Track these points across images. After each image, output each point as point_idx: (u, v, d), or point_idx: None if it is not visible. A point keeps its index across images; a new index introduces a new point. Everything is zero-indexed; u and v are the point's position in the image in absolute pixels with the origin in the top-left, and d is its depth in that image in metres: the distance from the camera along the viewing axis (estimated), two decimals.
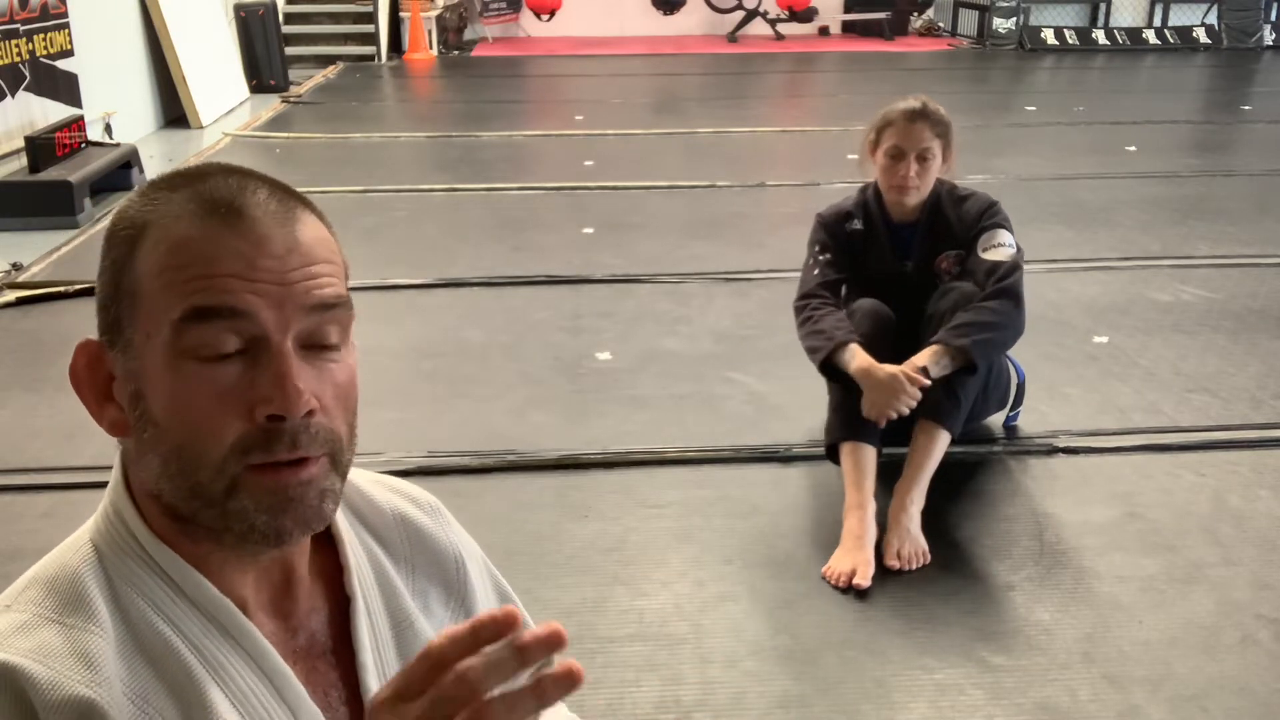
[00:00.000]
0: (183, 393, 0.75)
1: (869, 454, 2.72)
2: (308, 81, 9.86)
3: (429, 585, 0.96)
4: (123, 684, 0.75)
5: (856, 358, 2.67)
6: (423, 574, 0.96)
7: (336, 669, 0.87)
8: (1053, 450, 3.09)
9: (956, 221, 2.89)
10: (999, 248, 2.82)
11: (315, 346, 0.79)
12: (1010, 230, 2.87)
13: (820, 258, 2.95)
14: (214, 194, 0.77)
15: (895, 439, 2.74)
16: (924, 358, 2.66)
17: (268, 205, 0.78)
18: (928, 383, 2.62)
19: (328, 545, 0.90)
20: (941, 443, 2.71)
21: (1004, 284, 2.74)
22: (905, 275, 2.94)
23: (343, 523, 0.91)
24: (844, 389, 2.77)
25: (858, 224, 2.96)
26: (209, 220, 0.76)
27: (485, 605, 1.01)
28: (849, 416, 2.78)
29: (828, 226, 2.98)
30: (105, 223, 0.84)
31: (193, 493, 0.77)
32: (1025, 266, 2.86)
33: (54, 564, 0.81)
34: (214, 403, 0.75)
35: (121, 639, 0.77)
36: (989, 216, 2.87)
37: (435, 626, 0.94)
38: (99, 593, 0.78)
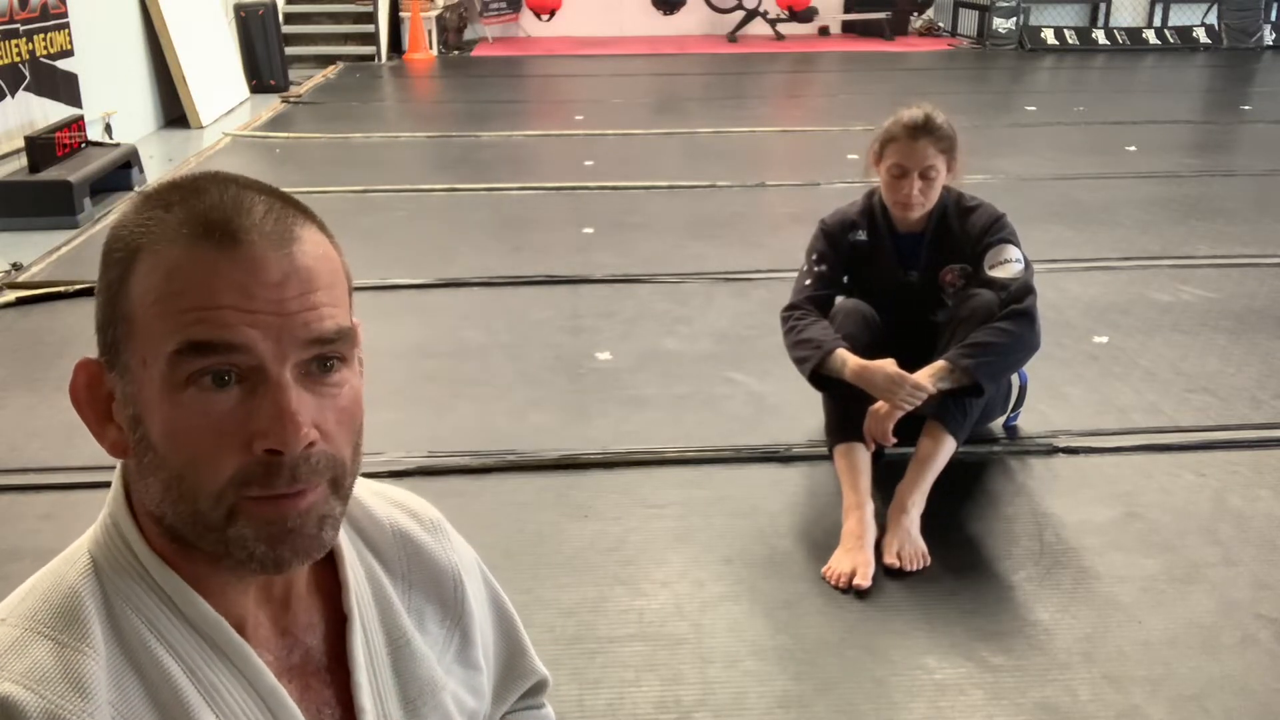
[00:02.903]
0: (180, 423, 0.74)
1: (862, 454, 2.72)
2: (308, 81, 9.86)
3: (425, 603, 0.95)
4: (113, 708, 0.74)
5: (848, 362, 2.67)
6: (419, 591, 0.95)
7: (331, 687, 0.86)
8: (1053, 450, 3.09)
9: (962, 234, 2.87)
10: (1007, 264, 2.79)
11: (318, 372, 0.77)
12: (1017, 245, 2.84)
13: (816, 268, 2.93)
14: (208, 215, 0.74)
15: (900, 439, 2.74)
16: (929, 373, 2.65)
17: (264, 225, 0.75)
18: (931, 390, 2.63)
19: (327, 561, 0.89)
20: (946, 448, 2.71)
21: (1019, 306, 2.71)
22: (909, 285, 2.93)
23: (342, 538, 0.90)
24: (834, 395, 2.77)
25: (862, 234, 2.94)
26: (203, 246, 0.74)
27: (481, 622, 1.01)
28: (839, 419, 2.79)
29: (830, 236, 2.95)
30: (106, 223, 0.82)
31: (194, 519, 0.76)
32: None
33: (51, 576, 0.80)
34: (212, 434, 0.74)
35: (113, 658, 0.76)
36: (995, 231, 2.84)
37: (430, 644, 0.94)
38: (94, 609, 0.77)
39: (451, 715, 0.93)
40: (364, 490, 0.96)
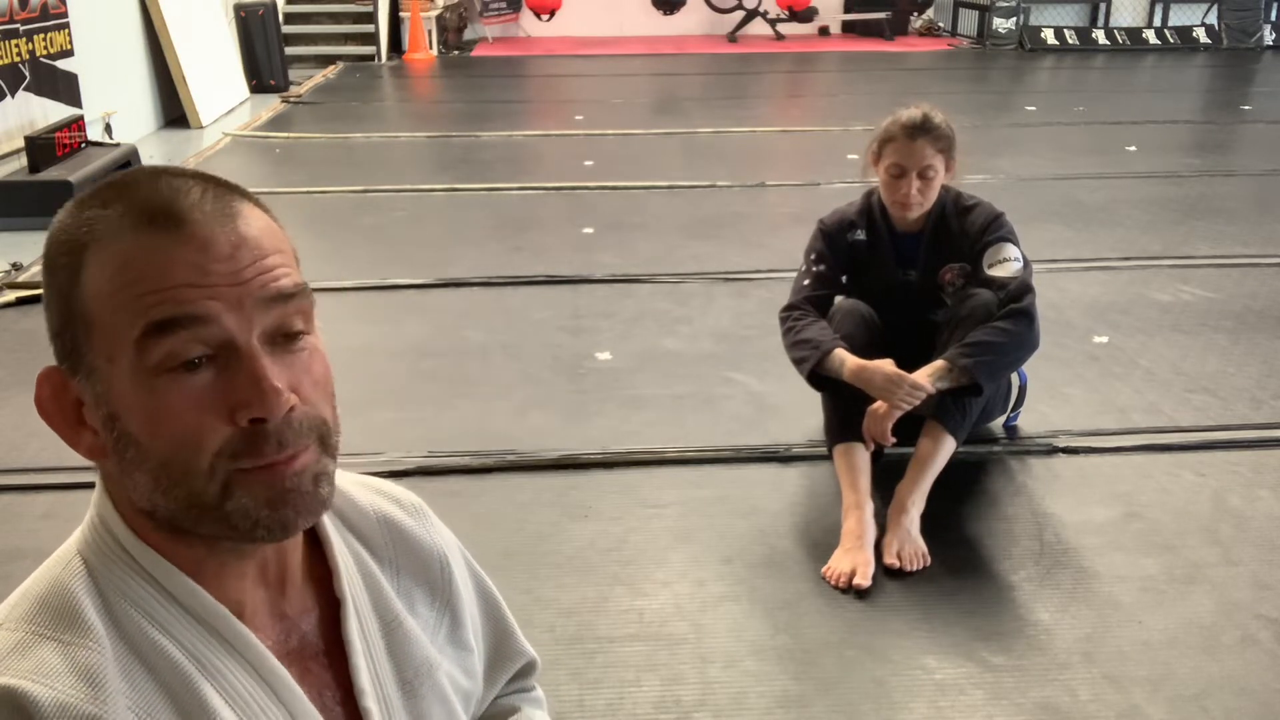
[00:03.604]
0: (160, 408, 0.74)
1: (861, 454, 2.72)
2: (308, 81, 9.86)
3: (414, 586, 0.96)
4: (125, 698, 0.74)
5: (847, 362, 2.68)
6: (407, 575, 0.96)
7: (329, 670, 0.87)
8: (1053, 450, 3.09)
9: (960, 233, 2.87)
10: (1005, 263, 2.79)
11: (282, 339, 0.77)
12: (1016, 243, 2.84)
13: (815, 269, 2.93)
14: (149, 204, 0.75)
15: (900, 439, 2.74)
16: (928, 372, 2.66)
17: (204, 205, 0.76)
18: (929, 389, 2.63)
19: (316, 548, 0.90)
20: (946, 448, 2.71)
21: (1018, 305, 2.71)
22: (908, 285, 2.93)
23: (329, 525, 0.91)
24: (833, 395, 2.78)
25: (861, 234, 2.94)
26: (149, 232, 0.74)
27: (469, 606, 1.01)
28: (838, 419, 2.79)
29: (828, 236, 2.95)
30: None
31: (190, 502, 0.76)
32: None
33: (43, 579, 0.80)
34: (193, 412, 0.74)
35: (118, 651, 0.76)
36: (994, 230, 2.84)
37: (422, 626, 0.95)
38: (92, 606, 0.77)
39: (448, 694, 0.94)
40: (345, 480, 0.96)
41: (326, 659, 0.87)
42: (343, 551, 0.91)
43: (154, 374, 0.74)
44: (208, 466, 0.75)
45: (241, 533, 0.77)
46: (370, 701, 0.87)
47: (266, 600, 0.85)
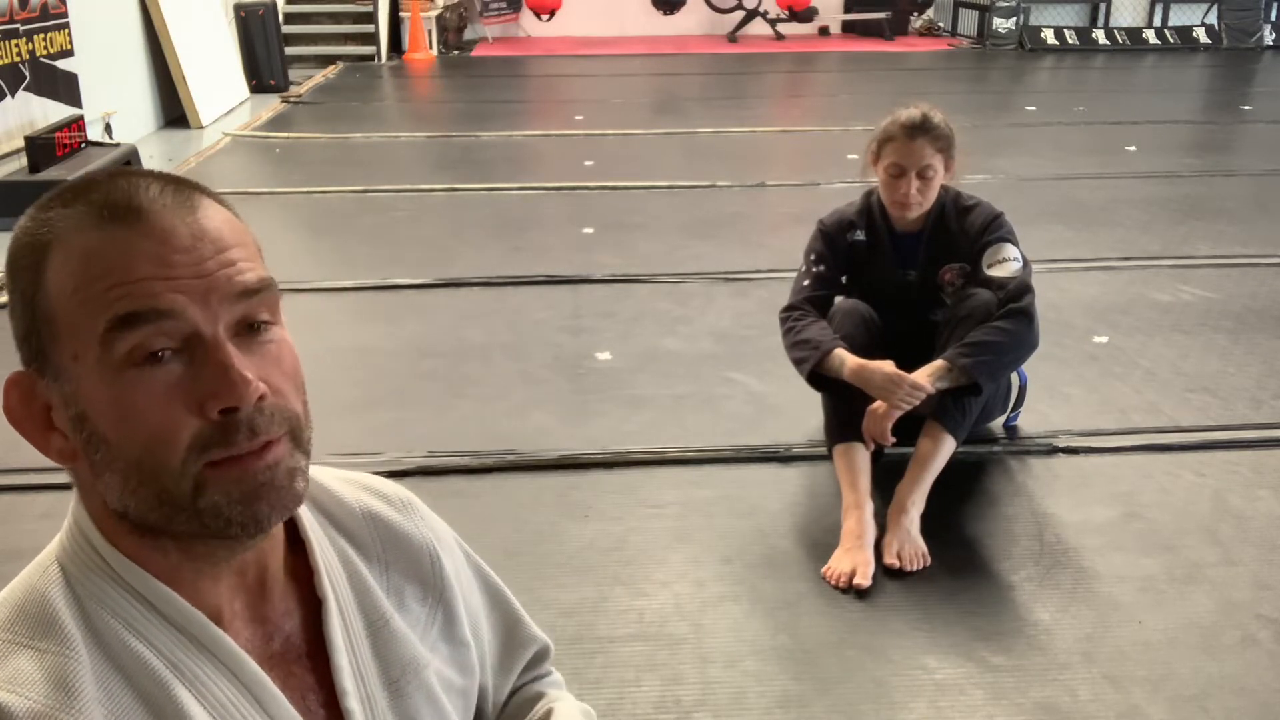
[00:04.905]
0: (128, 403, 0.73)
1: (861, 454, 2.72)
2: (308, 81, 9.86)
3: (404, 582, 0.95)
4: (101, 706, 0.74)
5: (847, 362, 2.68)
6: (397, 571, 0.95)
7: (313, 672, 0.86)
8: (1053, 450, 3.09)
9: (960, 233, 2.87)
10: (1005, 263, 2.80)
11: (249, 330, 0.77)
12: (1015, 243, 2.84)
13: (814, 269, 2.93)
14: (109, 199, 0.75)
15: (900, 439, 2.74)
16: (927, 372, 2.66)
17: (164, 199, 0.76)
18: (929, 389, 2.63)
19: (298, 548, 0.89)
20: (946, 448, 2.71)
21: (1017, 305, 2.71)
22: (908, 285, 2.93)
23: (312, 524, 0.90)
24: (833, 395, 2.78)
25: (860, 234, 2.94)
26: (110, 226, 0.74)
27: (467, 599, 1.00)
28: (838, 419, 2.79)
29: (828, 236, 2.96)
30: None
31: (160, 500, 0.75)
32: None
33: (21, 587, 0.79)
34: (162, 405, 0.73)
35: (96, 660, 0.76)
36: (993, 230, 2.84)
37: (411, 624, 0.94)
38: (69, 614, 0.77)
39: (436, 693, 0.93)
40: (329, 477, 0.95)
41: (310, 661, 0.87)
42: (326, 550, 0.90)
43: (120, 369, 0.73)
44: (179, 463, 0.74)
45: (213, 531, 0.76)
46: (353, 702, 0.86)
47: (246, 604, 0.84)
